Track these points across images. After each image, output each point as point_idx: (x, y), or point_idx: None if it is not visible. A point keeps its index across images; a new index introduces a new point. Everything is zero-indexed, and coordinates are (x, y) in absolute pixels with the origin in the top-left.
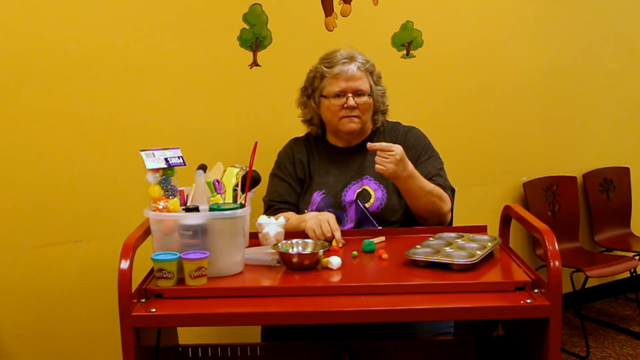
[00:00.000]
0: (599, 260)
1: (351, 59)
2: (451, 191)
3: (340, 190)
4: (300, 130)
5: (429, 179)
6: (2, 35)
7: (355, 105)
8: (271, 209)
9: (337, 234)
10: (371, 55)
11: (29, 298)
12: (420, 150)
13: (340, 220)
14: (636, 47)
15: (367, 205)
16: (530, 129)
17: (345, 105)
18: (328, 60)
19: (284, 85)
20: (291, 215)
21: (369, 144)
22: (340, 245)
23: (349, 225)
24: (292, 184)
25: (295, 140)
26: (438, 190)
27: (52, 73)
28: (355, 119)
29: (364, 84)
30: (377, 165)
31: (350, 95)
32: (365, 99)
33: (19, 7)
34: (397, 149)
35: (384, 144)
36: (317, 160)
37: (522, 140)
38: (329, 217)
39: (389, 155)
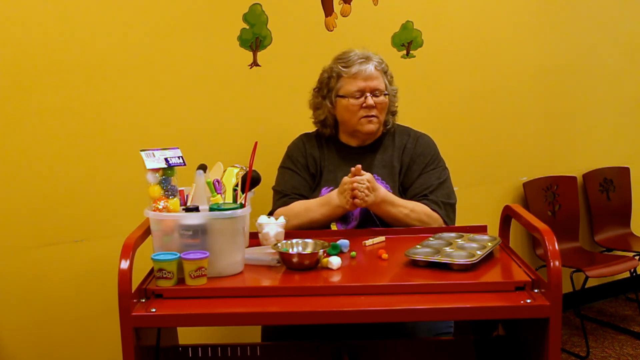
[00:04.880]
0: (599, 260)
1: (367, 58)
2: (450, 206)
3: None
4: (301, 130)
5: (424, 193)
6: (2, 36)
7: (374, 104)
8: (286, 198)
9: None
10: None
11: (29, 298)
12: (428, 159)
13: (346, 218)
14: (636, 47)
15: None
16: (530, 129)
17: (364, 105)
18: (344, 60)
19: (284, 85)
20: (306, 202)
21: (357, 167)
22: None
23: (353, 223)
24: (305, 177)
25: (306, 135)
26: (420, 210)
27: (51, 73)
28: (375, 119)
29: (381, 84)
30: (356, 200)
31: (368, 94)
32: (382, 98)
33: (19, 7)
34: (367, 175)
35: (364, 175)
36: (328, 156)
37: (522, 140)
38: (346, 181)
39: (362, 185)
